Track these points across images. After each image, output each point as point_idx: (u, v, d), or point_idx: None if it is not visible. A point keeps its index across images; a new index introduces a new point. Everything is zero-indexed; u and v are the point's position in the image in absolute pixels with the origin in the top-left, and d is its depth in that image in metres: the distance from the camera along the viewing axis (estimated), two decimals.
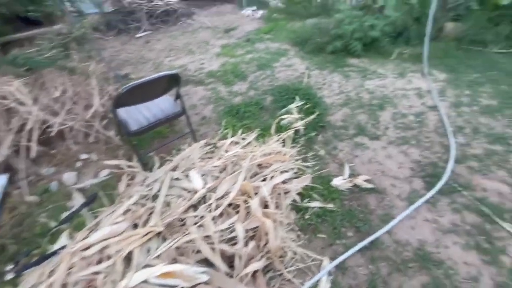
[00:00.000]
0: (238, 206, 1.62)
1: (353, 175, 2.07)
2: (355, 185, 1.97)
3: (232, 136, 2.53)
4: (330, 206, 1.82)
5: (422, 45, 3.60)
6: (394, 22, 3.63)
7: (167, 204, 1.68)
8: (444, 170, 2.01)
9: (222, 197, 1.67)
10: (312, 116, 2.63)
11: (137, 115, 2.01)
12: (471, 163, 2.09)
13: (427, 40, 3.50)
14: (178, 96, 2.14)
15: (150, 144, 2.52)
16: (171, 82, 1.97)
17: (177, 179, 1.87)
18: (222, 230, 1.49)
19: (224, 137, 2.54)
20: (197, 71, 3.94)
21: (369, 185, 1.95)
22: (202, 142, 2.38)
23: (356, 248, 1.56)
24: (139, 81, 1.69)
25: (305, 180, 1.94)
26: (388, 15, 3.74)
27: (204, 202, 1.66)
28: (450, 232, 1.64)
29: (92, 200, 1.97)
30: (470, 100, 2.82)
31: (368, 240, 1.59)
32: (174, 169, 2.02)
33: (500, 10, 3.54)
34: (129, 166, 2.19)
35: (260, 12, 6.32)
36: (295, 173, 2.03)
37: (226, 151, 2.24)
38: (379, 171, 2.10)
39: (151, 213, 1.59)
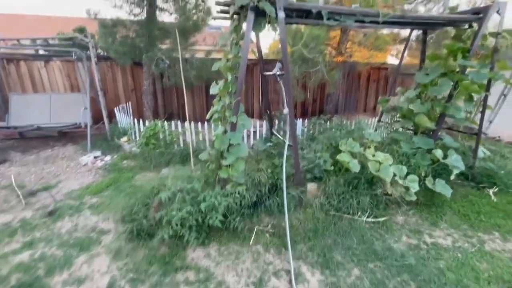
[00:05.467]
0: None
1: None
2: None
3: None
4: None
5: (284, 216, 2.67)
6: (244, 194, 2.66)
7: None
8: None
9: None
10: None
11: None
12: None
13: (287, 222, 2.55)
14: None
15: None
16: None
17: None
18: None
19: None
20: None
21: None
22: None
23: None
24: None
25: None
26: (239, 182, 2.81)
27: None
28: None
29: None
30: None
31: None
32: None
33: (348, 175, 3.16)
34: None
35: (107, 159, 4.94)
36: None
37: None
38: None
39: None
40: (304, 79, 7.52)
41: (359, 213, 2.99)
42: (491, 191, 3.69)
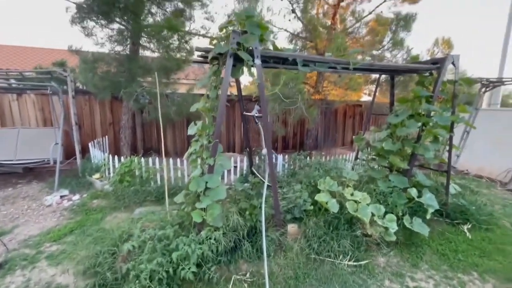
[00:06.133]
0: None
1: None
2: None
3: None
4: None
5: (263, 264, 2.53)
6: (220, 240, 2.51)
7: None
8: None
9: None
10: None
11: None
12: None
13: (266, 272, 2.40)
14: None
15: None
16: None
17: None
18: None
19: None
20: None
21: None
22: None
23: None
24: None
25: None
26: (215, 226, 2.67)
27: None
28: None
29: None
30: None
31: None
32: None
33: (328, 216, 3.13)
34: None
35: (76, 198, 4.60)
36: None
37: None
38: None
39: None
40: (285, 115, 7.77)
41: (340, 256, 2.89)
42: (465, 228, 3.77)
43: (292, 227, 3.21)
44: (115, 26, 5.84)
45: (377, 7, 7.21)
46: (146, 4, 5.91)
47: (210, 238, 2.49)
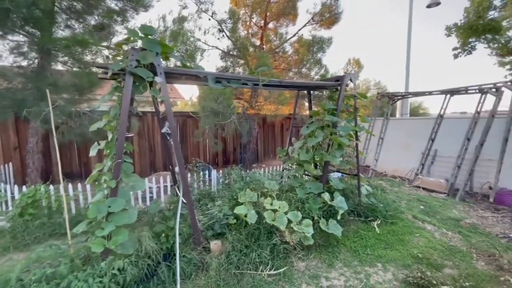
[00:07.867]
0: None
1: None
2: None
3: None
4: None
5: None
6: (126, 269, 2.29)
7: None
8: None
9: None
10: None
11: None
12: None
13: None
14: None
15: None
16: None
17: None
18: None
19: None
20: None
21: None
22: None
23: None
24: None
25: None
26: (125, 254, 2.45)
27: None
28: None
29: None
30: None
31: None
32: None
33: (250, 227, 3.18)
34: None
35: None
36: None
37: None
38: None
39: None
40: (219, 130, 7.82)
41: (260, 267, 2.93)
42: (375, 224, 4.24)
43: (215, 244, 3.16)
44: (19, 38, 5.17)
45: (300, 30, 8.00)
46: (61, 16, 5.42)
47: (113, 269, 2.26)
